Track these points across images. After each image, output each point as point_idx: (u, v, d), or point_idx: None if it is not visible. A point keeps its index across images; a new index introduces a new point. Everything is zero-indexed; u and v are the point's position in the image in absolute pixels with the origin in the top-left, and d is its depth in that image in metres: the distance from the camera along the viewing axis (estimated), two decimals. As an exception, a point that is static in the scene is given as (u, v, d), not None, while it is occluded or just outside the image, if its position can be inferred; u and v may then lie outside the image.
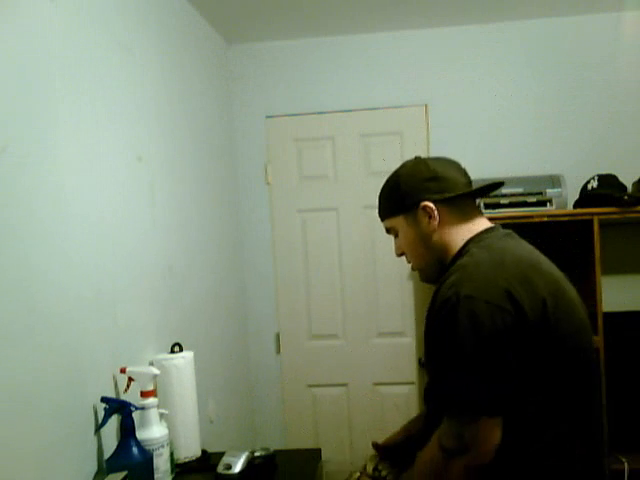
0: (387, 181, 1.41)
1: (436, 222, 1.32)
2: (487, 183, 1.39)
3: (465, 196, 1.35)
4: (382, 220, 1.43)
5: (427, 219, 1.33)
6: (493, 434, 1.14)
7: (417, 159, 1.40)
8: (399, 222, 1.37)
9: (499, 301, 1.14)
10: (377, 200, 1.44)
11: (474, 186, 1.38)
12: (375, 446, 1.60)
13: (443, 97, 3.00)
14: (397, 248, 1.43)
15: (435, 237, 1.33)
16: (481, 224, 1.35)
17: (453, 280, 1.20)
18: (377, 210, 1.45)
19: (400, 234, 1.39)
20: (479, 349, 1.13)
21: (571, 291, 1.27)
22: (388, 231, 1.43)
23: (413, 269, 1.45)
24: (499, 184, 1.44)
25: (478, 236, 1.31)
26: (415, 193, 1.33)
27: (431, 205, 1.32)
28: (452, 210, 1.33)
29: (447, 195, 1.32)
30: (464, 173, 1.39)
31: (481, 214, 1.38)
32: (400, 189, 1.36)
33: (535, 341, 1.15)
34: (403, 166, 1.40)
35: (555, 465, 1.20)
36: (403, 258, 1.45)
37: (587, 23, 2.93)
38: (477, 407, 1.13)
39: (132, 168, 1.81)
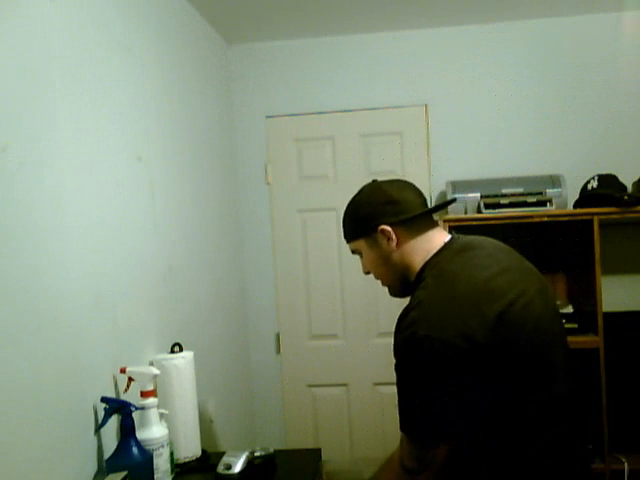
0: (347, 207, 1.48)
1: (394, 243, 1.39)
2: (441, 202, 1.50)
3: (420, 216, 1.41)
4: (347, 242, 1.50)
5: (386, 241, 1.39)
6: (445, 451, 1.25)
7: (374, 183, 1.47)
8: (361, 244, 1.45)
9: (453, 339, 1.20)
10: (342, 221, 1.51)
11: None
12: None
13: (443, 97, 3.00)
14: (363, 267, 1.50)
15: (395, 257, 1.40)
16: (438, 240, 1.39)
17: (411, 318, 1.29)
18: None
19: (364, 255, 1.46)
20: (438, 384, 1.22)
21: (529, 293, 1.29)
22: (353, 252, 1.50)
23: (384, 286, 1.51)
24: (451, 201, 1.60)
25: (434, 258, 1.36)
26: (373, 217, 1.40)
27: (388, 228, 1.38)
28: (409, 230, 1.39)
29: (403, 217, 1.39)
30: (419, 194, 1.45)
31: (438, 229, 1.43)
32: (359, 214, 1.44)
33: (493, 360, 1.22)
34: (361, 192, 1.47)
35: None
36: None
37: (587, 23, 2.93)
38: (438, 437, 1.24)
39: (132, 168, 1.81)
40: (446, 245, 1.38)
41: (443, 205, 1.58)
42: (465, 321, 1.22)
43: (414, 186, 1.46)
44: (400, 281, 1.43)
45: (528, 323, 1.26)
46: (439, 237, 1.40)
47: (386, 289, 1.51)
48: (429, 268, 1.35)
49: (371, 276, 1.52)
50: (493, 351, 1.21)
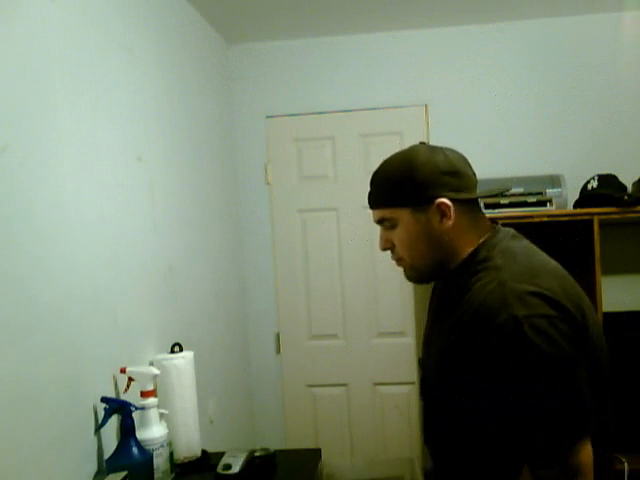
0: (393, 165, 1.23)
1: (450, 222, 1.19)
2: (495, 190, 1.29)
3: (480, 198, 1.26)
4: (377, 208, 1.25)
5: (439, 217, 1.19)
6: (589, 452, 1.05)
7: (430, 146, 1.24)
8: (403, 215, 1.21)
9: (555, 310, 1.07)
10: (373, 182, 1.26)
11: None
12: None
13: (443, 97, 3.00)
14: (386, 241, 1.26)
15: (444, 238, 1.20)
16: (487, 225, 1.26)
17: (497, 301, 1.09)
18: (369, 195, 1.27)
19: (400, 228, 1.22)
20: (560, 365, 1.04)
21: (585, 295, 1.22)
22: (380, 221, 1.26)
23: (402, 266, 1.29)
24: (505, 190, 1.35)
25: (490, 240, 1.21)
26: (430, 186, 1.18)
27: (448, 203, 1.18)
28: (464, 211, 1.21)
29: (464, 196, 1.20)
30: (473, 172, 1.26)
31: (484, 215, 1.28)
32: (414, 177, 1.19)
33: (587, 347, 1.10)
34: (416, 152, 1.22)
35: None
36: None
37: (587, 23, 2.93)
38: (576, 427, 1.04)
39: (132, 168, 1.81)
40: (497, 230, 1.24)
41: (499, 193, 1.36)
42: (557, 294, 1.09)
43: (469, 162, 1.26)
44: (437, 264, 1.23)
45: (597, 321, 1.18)
46: (487, 223, 1.25)
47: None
48: (486, 250, 1.18)
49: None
50: (584, 335, 1.09)
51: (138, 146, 1.86)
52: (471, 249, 1.21)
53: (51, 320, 1.29)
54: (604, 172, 2.67)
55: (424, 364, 1.37)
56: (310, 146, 3.08)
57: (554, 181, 2.70)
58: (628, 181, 2.67)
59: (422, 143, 1.28)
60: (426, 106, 3.01)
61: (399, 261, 1.28)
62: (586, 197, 2.66)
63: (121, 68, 1.78)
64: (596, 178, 2.65)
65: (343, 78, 3.05)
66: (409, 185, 1.19)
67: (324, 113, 3.06)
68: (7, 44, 1.21)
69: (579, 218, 2.59)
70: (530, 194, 2.65)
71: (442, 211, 1.19)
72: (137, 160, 1.85)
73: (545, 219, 2.58)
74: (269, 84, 3.08)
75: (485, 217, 1.27)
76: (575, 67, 2.94)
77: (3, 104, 1.18)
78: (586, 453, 1.04)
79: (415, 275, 1.29)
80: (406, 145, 1.29)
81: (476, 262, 1.19)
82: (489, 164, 2.92)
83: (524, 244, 1.23)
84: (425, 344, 1.37)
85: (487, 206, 2.62)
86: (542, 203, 2.63)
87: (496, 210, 2.61)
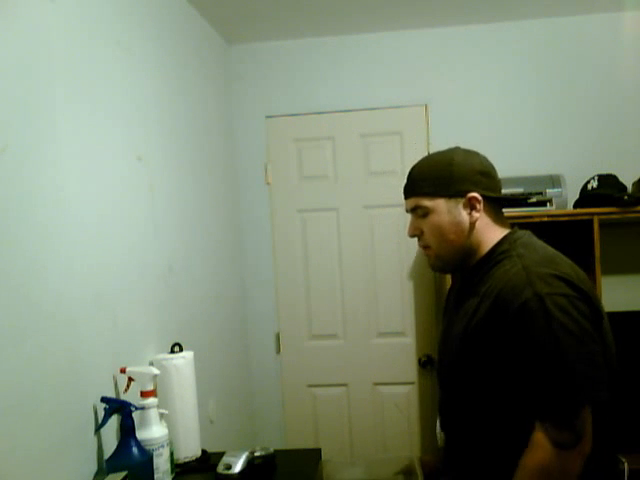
0: (433, 160, 1.39)
1: (477, 215, 1.34)
2: (517, 194, 1.52)
3: (505, 199, 1.44)
4: (413, 196, 1.39)
5: (468, 210, 1.34)
6: (590, 420, 1.19)
7: (466, 149, 1.40)
8: (437, 204, 1.35)
9: (574, 291, 1.20)
10: (411, 174, 1.41)
11: None
12: (422, 464, 1.62)
13: (443, 97, 3.00)
14: (415, 228, 1.40)
15: (471, 230, 1.34)
16: (507, 225, 1.40)
17: (521, 281, 1.21)
18: (406, 185, 1.41)
19: (432, 216, 1.36)
20: (577, 339, 1.17)
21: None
22: (414, 209, 1.39)
23: (428, 254, 1.42)
24: (528, 196, 1.68)
25: (510, 236, 1.35)
26: (466, 181, 1.33)
27: (479, 198, 1.33)
28: (490, 209, 1.36)
29: (492, 194, 1.36)
30: (499, 179, 1.42)
31: (506, 218, 1.43)
32: (452, 172, 1.34)
33: (601, 329, 1.25)
34: (455, 152, 1.38)
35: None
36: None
37: (587, 23, 2.93)
38: (583, 397, 1.18)
39: (132, 168, 1.81)
40: (516, 230, 1.39)
41: (523, 198, 1.71)
42: (575, 278, 1.23)
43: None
44: (461, 254, 1.37)
45: (606, 317, 1.31)
46: (507, 223, 1.41)
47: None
48: (507, 243, 1.33)
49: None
50: (600, 317, 1.24)
51: (138, 146, 1.86)
52: (494, 243, 1.34)
53: (51, 320, 1.29)
54: (604, 172, 2.67)
55: (441, 358, 1.47)
56: (310, 146, 3.08)
57: (554, 181, 2.70)
58: (628, 181, 2.67)
59: (459, 148, 1.42)
60: (426, 106, 3.02)
61: (426, 249, 1.41)
62: (586, 197, 2.66)
63: (121, 68, 1.78)
64: (596, 178, 2.65)
65: (343, 78, 3.05)
66: (447, 177, 1.34)
67: (324, 113, 3.06)
68: (7, 44, 1.21)
69: (579, 218, 2.59)
70: (530, 194, 2.65)
71: (472, 204, 1.34)
72: (137, 160, 1.85)
73: (545, 219, 2.58)
74: (269, 84, 3.08)
75: (506, 219, 1.41)
76: (575, 67, 2.94)
77: (3, 104, 1.18)
78: (589, 420, 1.18)
79: (440, 264, 1.42)
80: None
81: (499, 253, 1.32)
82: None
83: (540, 241, 1.37)
84: (443, 338, 1.47)
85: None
86: (542, 203, 2.62)
87: (496, 210, 2.61)
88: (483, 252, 1.35)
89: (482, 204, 1.34)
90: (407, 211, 1.43)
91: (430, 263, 1.43)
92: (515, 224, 1.43)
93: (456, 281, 1.51)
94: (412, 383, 3.04)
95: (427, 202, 1.36)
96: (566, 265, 1.27)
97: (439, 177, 1.35)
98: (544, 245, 1.35)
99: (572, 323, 1.17)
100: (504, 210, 1.46)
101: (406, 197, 1.42)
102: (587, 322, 1.19)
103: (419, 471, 1.57)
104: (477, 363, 1.28)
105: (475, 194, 1.33)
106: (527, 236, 1.37)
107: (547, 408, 1.19)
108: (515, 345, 1.21)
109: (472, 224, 1.34)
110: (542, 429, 1.18)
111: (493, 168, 1.40)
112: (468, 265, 1.38)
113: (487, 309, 1.26)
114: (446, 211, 1.34)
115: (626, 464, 2.47)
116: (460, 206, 1.34)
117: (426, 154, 1.51)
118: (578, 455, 1.18)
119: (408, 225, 1.42)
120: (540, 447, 1.18)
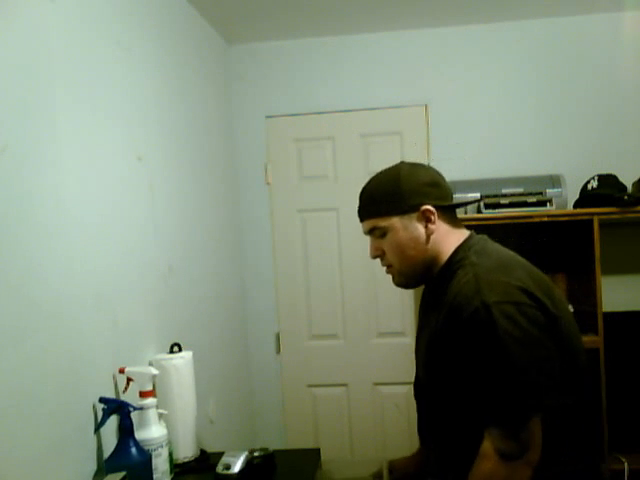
0: (380, 180, 1.40)
1: (434, 227, 1.33)
2: (464, 200, 1.48)
3: (458, 206, 1.42)
4: (368, 219, 1.40)
5: (424, 223, 1.33)
6: (540, 430, 1.17)
7: (410, 163, 1.40)
8: (392, 223, 1.34)
9: (524, 300, 1.19)
10: (362, 197, 1.43)
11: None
12: (391, 467, 1.61)
13: (443, 97, 3.00)
14: (375, 249, 1.40)
15: (429, 242, 1.34)
16: (464, 231, 1.39)
17: (471, 290, 1.21)
18: (359, 208, 1.43)
19: (389, 235, 1.36)
20: (523, 347, 1.16)
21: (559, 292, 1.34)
22: (371, 231, 1.39)
23: (391, 272, 1.42)
24: (473, 202, 1.76)
25: (465, 243, 1.34)
26: (416, 195, 1.33)
27: (433, 209, 1.32)
28: (445, 217, 1.35)
29: (444, 203, 1.35)
30: (448, 185, 1.42)
31: (461, 223, 1.42)
32: (401, 188, 1.33)
33: (557, 332, 1.21)
34: (400, 168, 1.38)
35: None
36: None
37: (587, 23, 2.93)
38: (530, 407, 1.16)
39: (132, 168, 1.81)
40: (472, 235, 1.38)
41: (467, 203, 1.67)
42: (528, 285, 1.22)
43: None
44: (423, 269, 1.36)
45: (571, 318, 1.29)
46: (464, 229, 1.40)
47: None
48: (462, 251, 1.32)
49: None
50: (557, 323, 1.21)
51: (138, 146, 1.86)
52: (451, 252, 1.33)
53: (50, 320, 1.29)
54: (604, 172, 2.67)
55: (416, 366, 1.49)
56: (310, 146, 3.08)
57: (554, 181, 2.70)
58: (628, 181, 2.67)
59: (404, 162, 1.42)
60: (426, 106, 3.01)
61: (388, 268, 1.41)
62: (586, 197, 2.66)
63: (121, 68, 1.78)
64: (596, 178, 2.65)
65: (343, 78, 3.05)
66: (396, 195, 1.34)
67: (324, 113, 3.06)
68: (7, 44, 1.21)
69: (579, 218, 2.59)
70: (530, 194, 2.65)
71: (427, 217, 1.33)
72: (137, 160, 1.85)
73: (545, 219, 2.58)
74: (269, 84, 3.08)
75: (462, 226, 1.41)
76: (575, 67, 2.94)
77: (3, 104, 1.18)
78: (537, 430, 1.16)
79: (403, 280, 1.41)
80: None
81: (455, 262, 1.31)
82: (489, 164, 2.92)
83: (496, 246, 1.37)
84: (415, 347, 1.48)
85: (487, 206, 2.62)
86: (542, 203, 2.62)
87: (496, 210, 2.61)
88: (443, 261, 1.34)
89: (436, 215, 1.33)
90: (365, 233, 1.43)
91: (395, 282, 1.42)
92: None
93: (423, 293, 1.50)
94: (412, 383, 3.03)
95: (382, 222, 1.36)
96: (520, 270, 1.26)
97: (389, 195, 1.35)
98: (499, 249, 1.34)
99: (519, 331, 1.16)
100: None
101: (361, 220, 1.42)
102: (536, 329, 1.17)
103: (386, 475, 1.57)
104: (439, 374, 1.29)
105: (428, 206, 1.32)
106: (482, 242, 1.36)
107: (492, 417, 1.18)
108: (465, 355, 1.20)
109: (429, 236, 1.33)
110: (489, 439, 1.17)
111: (441, 176, 1.39)
112: (431, 276, 1.38)
113: (442, 320, 1.26)
114: (402, 228, 1.33)
115: (626, 464, 2.48)
116: (415, 221, 1.33)
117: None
118: (525, 466, 1.16)
119: (369, 248, 1.42)
120: (486, 457, 1.18)
